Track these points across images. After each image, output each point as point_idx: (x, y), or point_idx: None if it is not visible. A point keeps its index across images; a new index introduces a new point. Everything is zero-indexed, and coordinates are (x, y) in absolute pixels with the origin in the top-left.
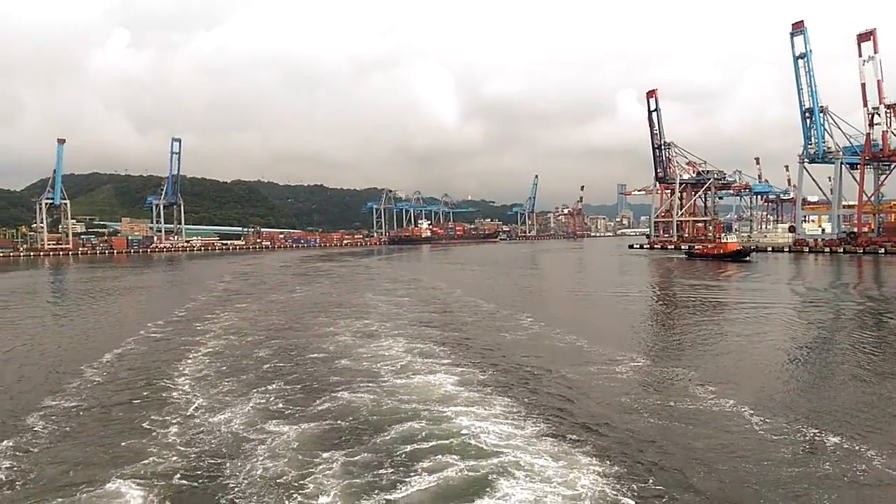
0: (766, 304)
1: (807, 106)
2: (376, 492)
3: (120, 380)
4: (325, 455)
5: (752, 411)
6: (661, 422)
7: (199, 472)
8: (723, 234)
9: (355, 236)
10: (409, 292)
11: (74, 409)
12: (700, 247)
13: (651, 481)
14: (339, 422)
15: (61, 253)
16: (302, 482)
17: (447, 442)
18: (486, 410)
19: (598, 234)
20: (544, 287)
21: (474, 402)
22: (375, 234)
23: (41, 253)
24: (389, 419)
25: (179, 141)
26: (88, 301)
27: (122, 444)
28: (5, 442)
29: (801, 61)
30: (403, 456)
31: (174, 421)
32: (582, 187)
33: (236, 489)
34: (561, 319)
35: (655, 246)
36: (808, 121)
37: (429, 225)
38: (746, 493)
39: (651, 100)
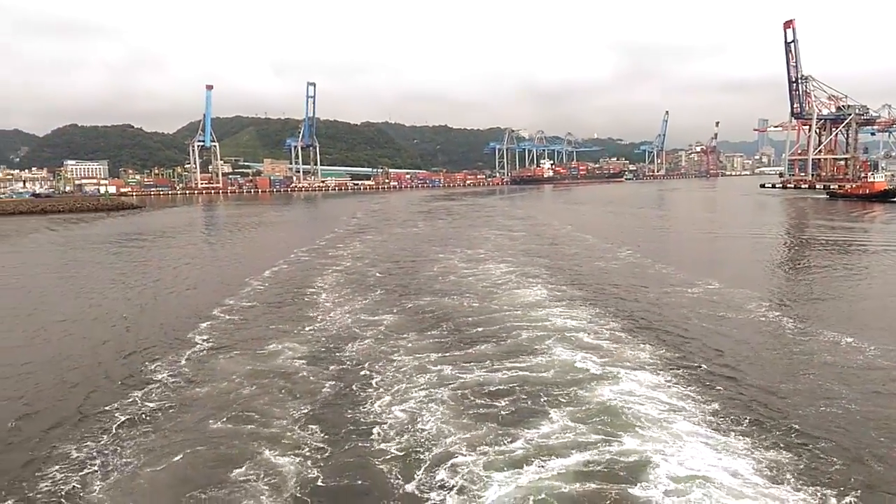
0: None
1: None
2: (468, 363)
3: (277, 287)
4: (415, 335)
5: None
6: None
7: (329, 344)
8: (869, 173)
9: (478, 176)
10: (523, 228)
11: (247, 305)
12: (845, 186)
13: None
14: (437, 315)
15: (212, 192)
16: (398, 354)
17: (533, 330)
18: (567, 311)
19: (733, 173)
20: (656, 225)
21: (557, 305)
22: (497, 175)
23: (195, 191)
24: (484, 316)
25: (314, 85)
26: (244, 232)
27: (283, 326)
28: (206, 323)
29: None
30: (495, 339)
31: (314, 314)
32: (717, 123)
33: (352, 356)
34: (661, 254)
35: (788, 185)
36: None
37: (551, 165)
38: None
39: (788, 30)
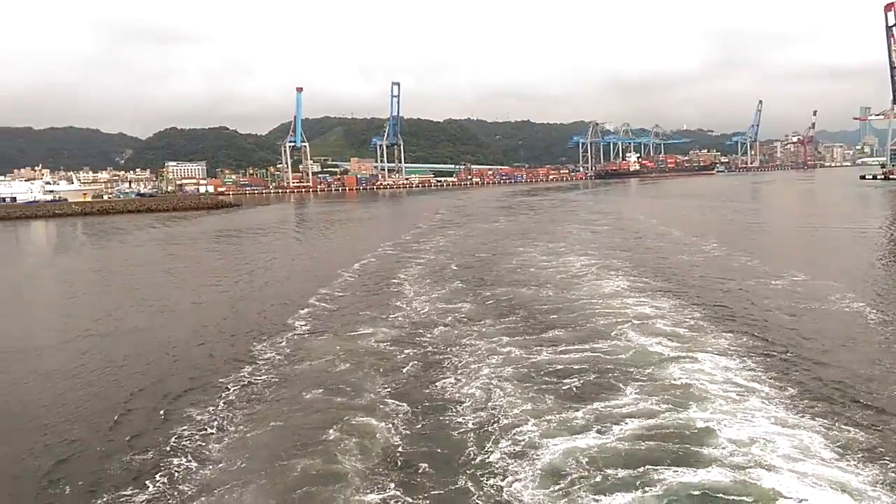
0: None
1: None
2: (540, 345)
3: (366, 278)
4: (490, 321)
5: None
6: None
7: (411, 328)
8: None
9: (561, 171)
10: (606, 222)
11: (339, 294)
12: None
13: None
14: (513, 303)
15: (303, 190)
16: (473, 338)
17: (608, 316)
18: (645, 300)
19: (832, 164)
20: (746, 219)
21: (635, 295)
22: (581, 169)
23: (287, 190)
24: (559, 304)
25: (399, 84)
26: (333, 228)
27: (370, 313)
28: (304, 310)
29: None
30: (569, 325)
31: (398, 303)
32: (814, 112)
33: (431, 339)
34: (749, 247)
35: (891, 176)
36: None
37: (637, 158)
38: None
39: (889, 14)
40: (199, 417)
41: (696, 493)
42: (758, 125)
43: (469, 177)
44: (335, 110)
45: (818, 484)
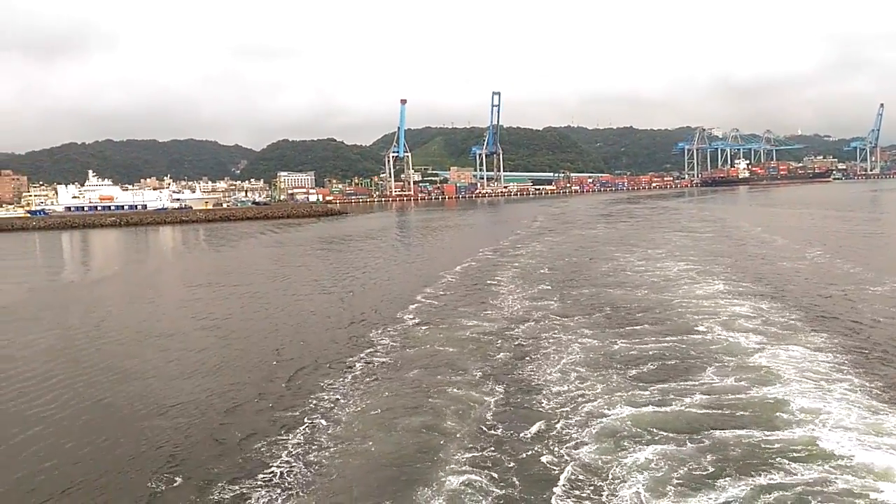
0: None
1: None
2: (625, 338)
3: (466, 279)
4: (581, 318)
5: None
6: None
7: (505, 322)
8: None
9: (664, 178)
10: (709, 230)
11: (442, 293)
12: None
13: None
14: (605, 302)
15: (404, 199)
16: (562, 332)
17: (698, 315)
18: (738, 301)
19: None
20: (859, 228)
21: (729, 297)
22: (686, 176)
23: (389, 199)
24: (651, 304)
25: (499, 94)
26: (435, 235)
27: (469, 309)
28: (413, 306)
29: None
30: (658, 322)
31: (494, 301)
32: None
33: (524, 331)
34: (856, 256)
35: None
36: None
37: (747, 165)
38: None
39: None
40: (329, 387)
41: (764, 453)
42: (878, 130)
43: (568, 185)
44: (436, 120)
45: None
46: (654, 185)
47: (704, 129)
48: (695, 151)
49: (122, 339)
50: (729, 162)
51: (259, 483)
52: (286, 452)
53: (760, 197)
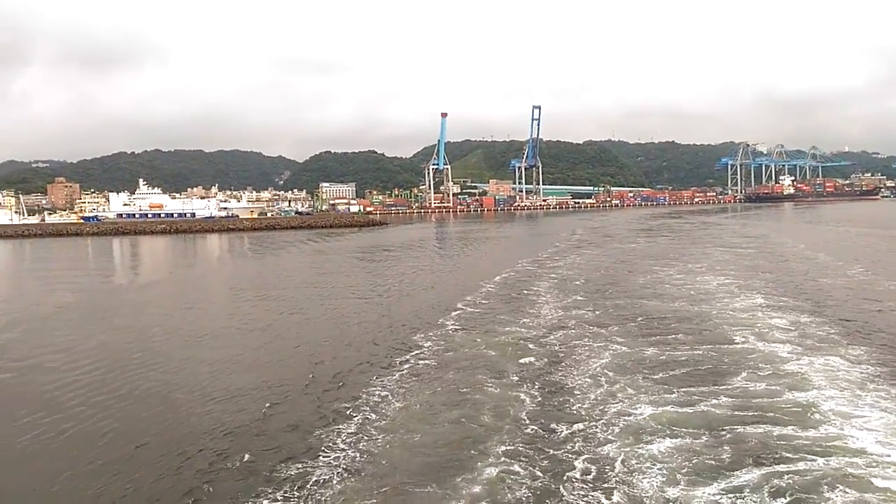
0: None
1: None
2: (657, 345)
3: (505, 289)
4: (616, 327)
5: None
6: None
7: (542, 329)
8: None
9: (707, 194)
10: (751, 246)
11: (482, 301)
12: None
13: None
14: (639, 312)
15: (443, 210)
16: (595, 340)
17: (732, 325)
18: (774, 314)
19: None
20: None
21: (764, 309)
22: (730, 192)
23: (428, 210)
24: (686, 314)
25: (539, 108)
26: (473, 246)
27: (507, 317)
28: (454, 313)
29: None
30: (692, 332)
31: (532, 310)
32: None
33: (559, 338)
34: None
35: None
36: None
37: (792, 181)
38: None
39: None
40: (377, 384)
41: (793, 448)
42: None
43: (608, 199)
44: (475, 133)
45: None
46: (696, 200)
47: (749, 145)
48: (738, 167)
49: (174, 338)
50: (773, 178)
51: (321, 463)
52: (341, 440)
53: (805, 214)
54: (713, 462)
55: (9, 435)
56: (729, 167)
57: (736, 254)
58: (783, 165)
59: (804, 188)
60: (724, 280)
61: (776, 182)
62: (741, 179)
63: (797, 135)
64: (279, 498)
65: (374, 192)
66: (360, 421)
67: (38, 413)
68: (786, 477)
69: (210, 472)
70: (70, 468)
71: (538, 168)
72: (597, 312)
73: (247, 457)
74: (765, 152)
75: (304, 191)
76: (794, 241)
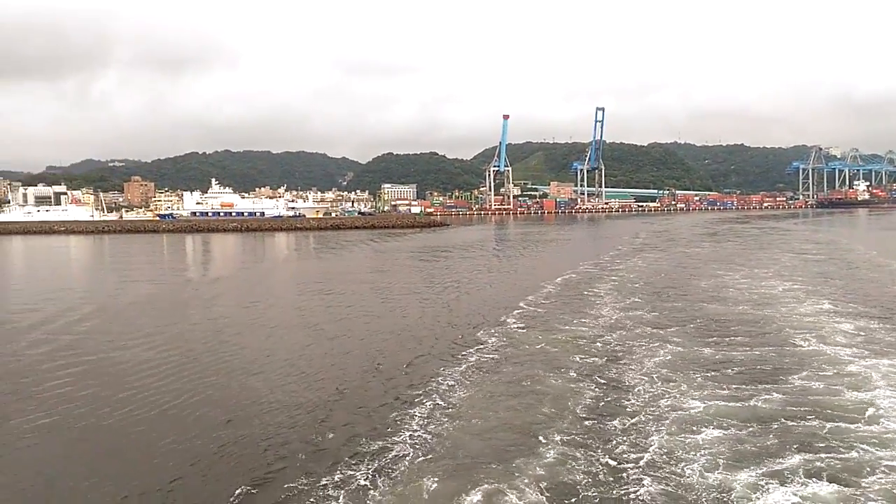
0: None
1: None
2: (714, 347)
3: (566, 290)
4: (675, 329)
5: None
6: None
7: (600, 329)
8: None
9: (777, 199)
10: (821, 252)
11: (543, 301)
12: None
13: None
14: (701, 314)
15: (503, 212)
16: (651, 340)
17: (795, 329)
18: (839, 319)
19: None
20: None
21: (828, 315)
22: (801, 197)
23: (488, 212)
24: (748, 318)
25: (603, 109)
26: (534, 248)
27: (567, 316)
28: (516, 311)
29: None
30: (752, 336)
31: (591, 311)
32: None
33: (615, 337)
34: None
35: None
36: None
37: (867, 187)
38: None
39: None
40: (444, 374)
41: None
42: None
43: (673, 202)
44: (536, 135)
45: None
46: (765, 204)
47: (821, 149)
48: (810, 171)
49: (252, 328)
50: (847, 183)
51: (397, 440)
52: (414, 422)
53: (879, 220)
54: (756, 450)
55: (114, 406)
56: (800, 171)
57: (804, 260)
58: (857, 170)
59: (880, 194)
60: (791, 285)
61: (850, 187)
62: (813, 184)
63: (871, 139)
64: (362, 469)
65: (435, 194)
66: (430, 406)
67: (131, 390)
68: (834, 463)
69: (298, 444)
70: (171, 438)
71: (601, 170)
72: (656, 314)
73: (330, 435)
74: (838, 156)
75: (367, 191)
76: (866, 248)
